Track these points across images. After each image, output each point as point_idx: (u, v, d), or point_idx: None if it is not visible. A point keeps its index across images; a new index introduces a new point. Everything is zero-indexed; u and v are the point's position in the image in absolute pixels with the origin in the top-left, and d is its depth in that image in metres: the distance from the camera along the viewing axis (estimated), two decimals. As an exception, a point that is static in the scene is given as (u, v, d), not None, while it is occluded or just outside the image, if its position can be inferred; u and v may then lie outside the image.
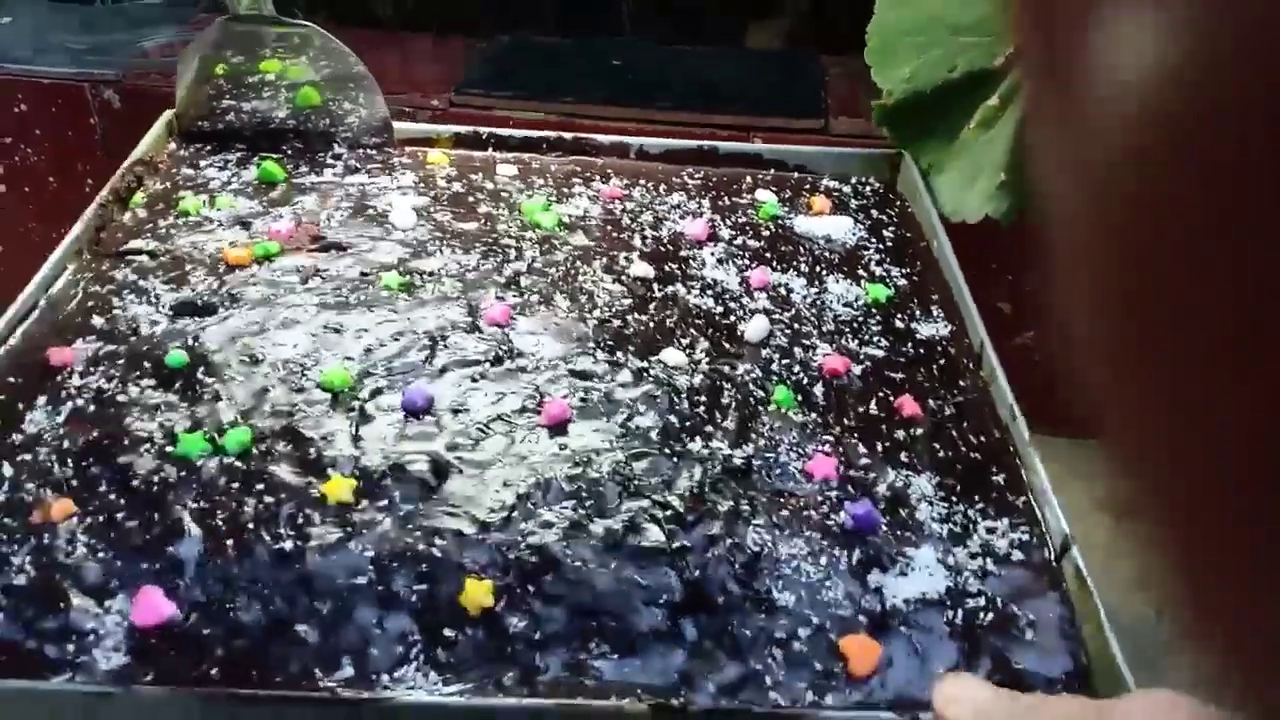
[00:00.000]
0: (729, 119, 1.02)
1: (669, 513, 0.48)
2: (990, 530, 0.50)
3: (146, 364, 0.55)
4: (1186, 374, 0.13)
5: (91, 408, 0.52)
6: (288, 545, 0.45)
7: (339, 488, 0.48)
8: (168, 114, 0.78)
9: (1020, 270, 1.17)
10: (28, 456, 0.50)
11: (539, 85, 1.08)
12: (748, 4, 1.32)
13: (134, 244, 0.65)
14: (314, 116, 0.78)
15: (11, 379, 0.54)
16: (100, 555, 0.45)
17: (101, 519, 0.46)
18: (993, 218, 0.69)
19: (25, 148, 1.14)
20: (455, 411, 0.53)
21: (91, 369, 0.55)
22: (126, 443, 0.50)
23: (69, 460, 0.49)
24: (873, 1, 0.72)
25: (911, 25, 0.71)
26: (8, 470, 0.49)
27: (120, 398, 0.53)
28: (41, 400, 0.53)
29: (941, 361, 0.61)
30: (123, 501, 0.47)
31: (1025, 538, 0.49)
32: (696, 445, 0.52)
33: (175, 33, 1.17)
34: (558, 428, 0.53)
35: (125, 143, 0.74)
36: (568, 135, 0.80)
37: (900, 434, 0.55)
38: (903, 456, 0.53)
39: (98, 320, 0.59)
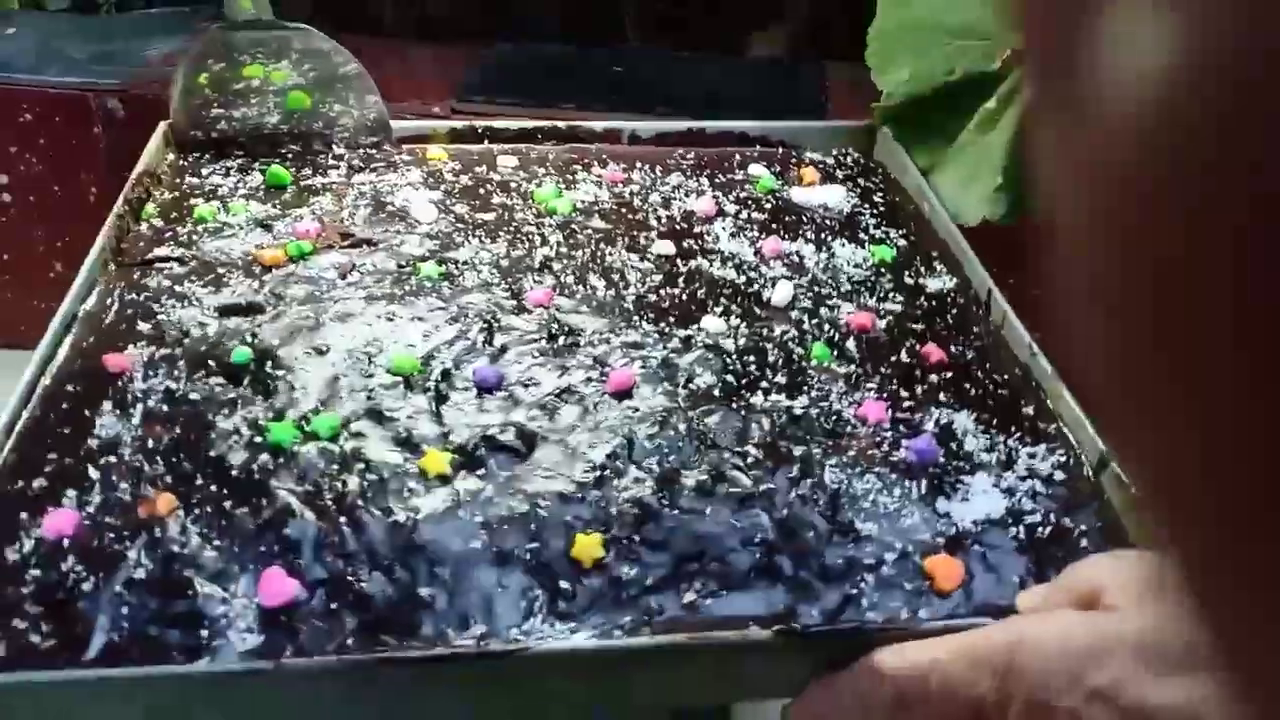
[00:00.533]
0: (731, 125, 1.05)
1: (749, 460, 0.52)
2: (1031, 455, 0.54)
3: (210, 363, 0.56)
4: (1191, 376, 0.13)
5: (165, 408, 0.53)
6: (399, 517, 0.47)
7: (436, 461, 0.49)
8: (163, 125, 0.78)
9: (1021, 273, 1.22)
10: (112, 459, 0.50)
11: (540, 92, 1.09)
12: (750, 12, 1.34)
13: (160, 251, 0.66)
14: (307, 119, 0.79)
15: (71, 388, 0.54)
16: (215, 543, 0.46)
17: (209, 509, 0.47)
18: (990, 220, 0.72)
19: (30, 157, 1.12)
20: (525, 385, 0.56)
21: (151, 372, 0.56)
22: (213, 436, 0.51)
23: (158, 458, 0.50)
24: (873, 6, 0.75)
25: (911, 28, 0.74)
26: (94, 473, 0.49)
27: (193, 395, 0.54)
28: (108, 406, 0.53)
29: (954, 311, 0.65)
30: (225, 491, 0.48)
31: (1063, 459, 0.54)
32: (758, 399, 0.56)
33: (179, 42, 1.16)
34: (624, 394, 0.56)
35: (129, 153, 0.74)
36: (561, 124, 0.83)
37: (934, 378, 0.59)
38: (941, 397, 0.58)
39: (144, 326, 0.59)
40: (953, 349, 0.62)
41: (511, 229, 0.70)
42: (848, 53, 0.95)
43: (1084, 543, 0.50)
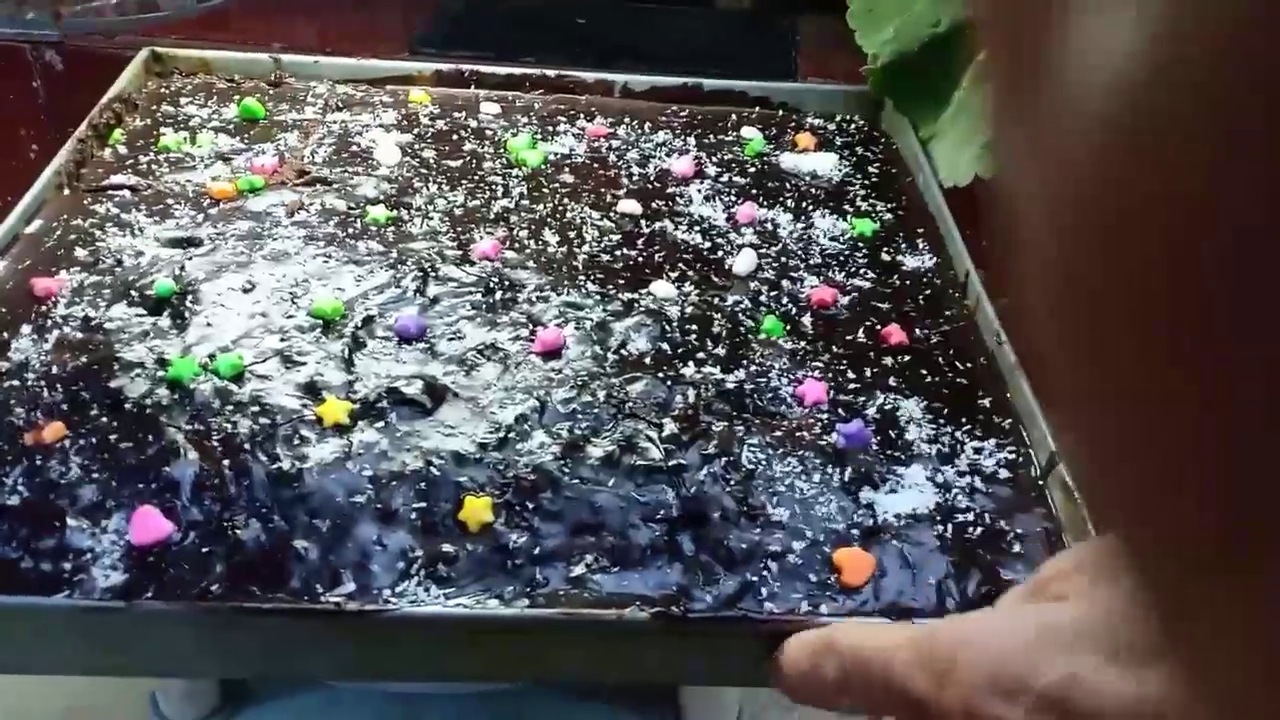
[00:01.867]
0: (700, 80, 1.02)
1: (664, 433, 0.49)
2: (978, 450, 0.51)
3: (133, 293, 0.55)
4: (1141, 370, 0.13)
5: (79, 335, 0.52)
6: (285, 465, 0.46)
7: (334, 409, 0.48)
8: (145, 51, 0.76)
9: (993, 236, 1.18)
10: (15, 383, 0.49)
11: (497, 44, 1.06)
12: None
13: (115, 179, 0.65)
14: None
15: (-5, 309, 0.54)
16: (95, 476, 0.45)
17: (94, 441, 0.46)
18: (983, 178, 0.68)
19: None
20: (449, 339, 0.53)
21: (77, 299, 0.55)
22: (116, 368, 0.50)
23: (58, 385, 0.49)
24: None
25: None
26: (-4, 396, 0.48)
27: (108, 325, 0.53)
28: (27, 329, 0.52)
29: (928, 292, 0.61)
30: (115, 424, 0.47)
31: (1012, 456, 0.50)
32: (689, 370, 0.53)
33: None
34: (552, 354, 0.53)
35: (69, 106, 0.73)
36: (551, 73, 0.80)
37: (888, 360, 0.56)
38: (891, 381, 0.54)
39: (81, 252, 0.58)
40: (917, 331, 0.58)
41: (475, 178, 0.68)
42: (817, 5, 0.90)
43: (1016, 547, 0.46)
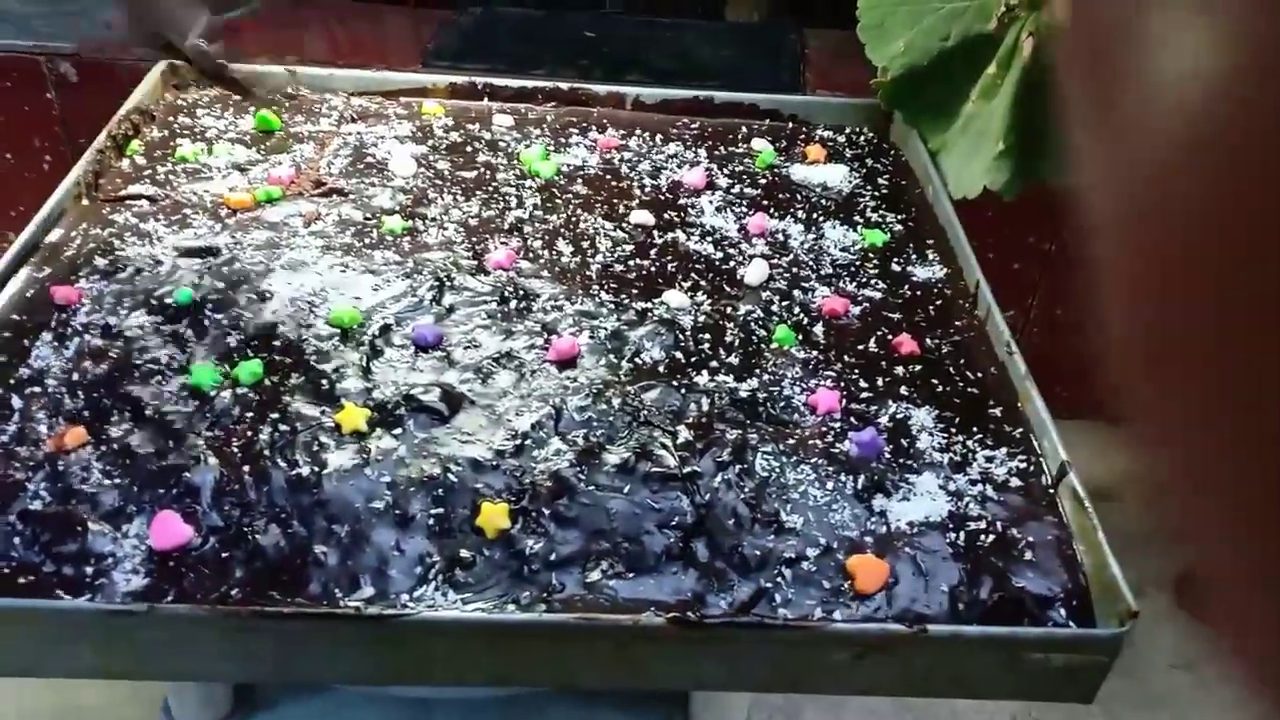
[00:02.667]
0: (740, 96, 1.02)
1: (679, 440, 0.49)
2: (989, 459, 0.51)
3: (153, 301, 0.55)
4: (1215, 378, 0.13)
5: (99, 342, 0.53)
6: (304, 471, 0.46)
7: (353, 417, 0.48)
8: (162, 63, 0.77)
9: (1001, 248, 1.18)
10: (36, 389, 0.50)
11: (509, 58, 1.07)
12: None
13: (134, 189, 0.65)
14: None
15: (16, 316, 0.54)
16: (115, 481, 0.45)
17: (115, 447, 0.47)
18: (991, 190, 0.68)
19: None
20: (465, 347, 0.54)
21: (97, 307, 0.55)
22: (137, 375, 0.50)
23: (79, 392, 0.50)
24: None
25: None
26: (17, 403, 0.49)
27: (128, 333, 0.53)
28: (47, 337, 0.53)
29: (938, 302, 0.62)
30: (136, 430, 0.48)
31: (1024, 465, 0.51)
32: (703, 379, 0.53)
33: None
34: (566, 363, 0.54)
35: (83, 118, 0.73)
36: (564, 85, 0.81)
37: (899, 370, 0.56)
38: (903, 390, 0.54)
39: (100, 261, 0.59)
40: (929, 341, 0.58)
41: (490, 189, 0.69)
42: (825, 19, 0.91)
43: (1028, 555, 0.47)
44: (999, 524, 0.48)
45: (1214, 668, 1.13)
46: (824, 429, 0.51)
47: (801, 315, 0.59)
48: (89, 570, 0.42)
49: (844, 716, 1.02)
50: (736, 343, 0.56)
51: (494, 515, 0.45)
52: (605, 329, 0.56)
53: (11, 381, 0.50)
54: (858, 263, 0.65)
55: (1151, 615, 1.19)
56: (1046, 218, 1.21)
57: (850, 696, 1.01)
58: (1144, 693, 1.11)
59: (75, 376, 0.50)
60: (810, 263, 0.64)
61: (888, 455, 0.50)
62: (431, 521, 0.45)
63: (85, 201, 0.64)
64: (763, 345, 0.57)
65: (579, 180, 0.71)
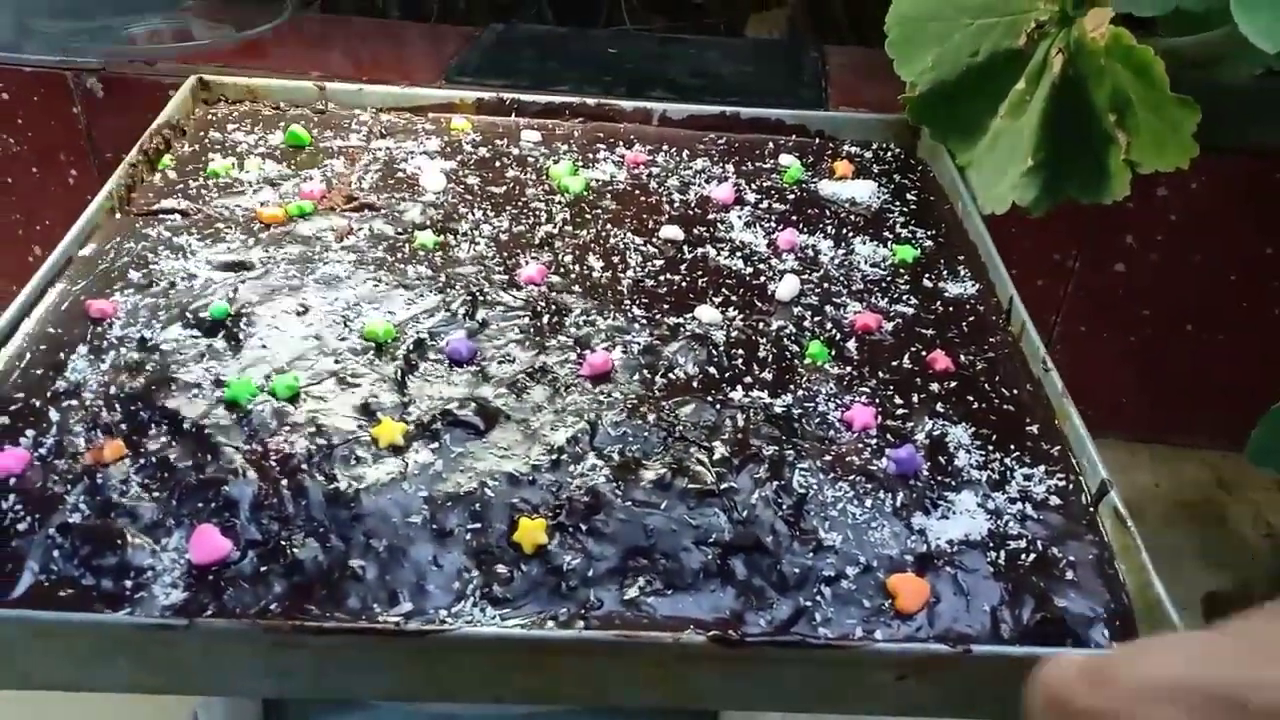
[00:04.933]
0: (766, 112, 1.02)
1: (715, 456, 0.49)
2: (1028, 477, 0.51)
3: (188, 315, 0.56)
4: None
5: (135, 356, 0.53)
6: (342, 485, 0.46)
7: (389, 431, 0.48)
8: (193, 79, 0.78)
9: (1024, 264, 1.17)
10: (73, 403, 0.50)
11: (531, 74, 1.08)
12: None
13: (166, 203, 0.66)
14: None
15: (52, 330, 0.55)
16: (154, 495, 0.45)
17: (154, 460, 0.47)
18: (1020, 206, 0.68)
19: (7, 137, 1.13)
20: (499, 362, 0.54)
21: (132, 320, 0.55)
22: (174, 388, 0.51)
23: (116, 405, 0.50)
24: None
25: (931, 11, 0.70)
26: (54, 416, 0.49)
27: (164, 346, 0.53)
28: (83, 350, 0.53)
29: (971, 318, 0.61)
30: (174, 444, 0.48)
31: (1062, 483, 0.50)
32: (738, 394, 0.53)
33: (160, 20, 1.16)
34: (600, 378, 0.53)
35: (109, 132, 0.74)
36: (590, 101, 0.81)
37: (935, 386, 0.56)
38: (939, 407, 0.54)
39: (135, 275, 0.59)
40: (963, 357, 0.58)
41: (519, 204, 0.69)
42: (846, 36, 0.91)
43: (1069, 575, 0.46)
44: (1039, 543, 0.47)
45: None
46: (861, 445, 0.51)
47: (834, 331, 0.59)
48: (128, 584, 0.42)
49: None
50: (770, 358, 0.56)
51: (532, 531, 0.45)
52: (638, 344, 0.56)
53: (49, 395, 0.50)
54: (889, 278, 0.65)
55: (1176, 635, 1.18)
56: (1071, 234, 1.20)
57: None
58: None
59: (112, 390, 0.50)
60: (841, 278, 0.64)
61: (925, 472, 0.50)
62: (469, 537, 0.45)
63: (118, 215, 0.65)
64: (796, 361, 0.56)
65: (608, 195, 0.71)
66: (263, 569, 0.43)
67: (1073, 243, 1.20)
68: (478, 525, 0.45)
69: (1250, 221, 1.18)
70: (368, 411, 0.50)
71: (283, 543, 0.44)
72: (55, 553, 0.43)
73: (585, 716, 0.65)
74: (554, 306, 0.59)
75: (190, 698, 0.64)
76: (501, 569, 0.44)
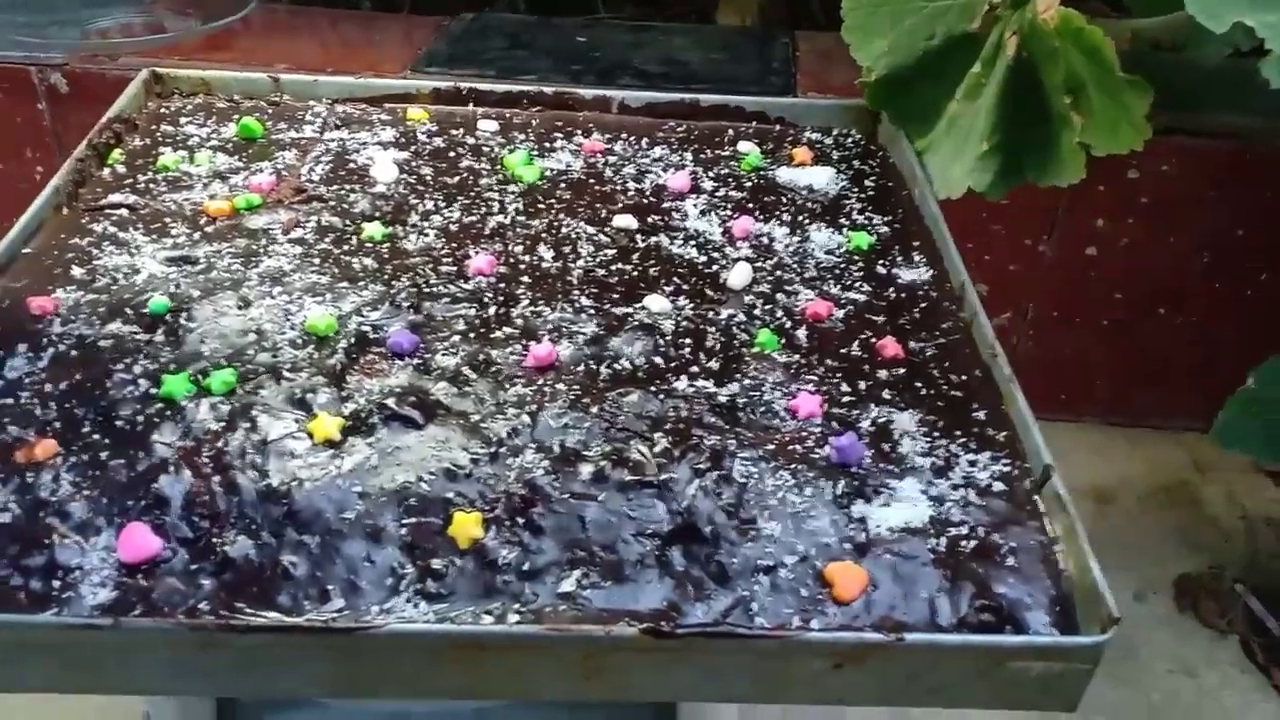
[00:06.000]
0: (726, 99, 1.02)
1: (656, 447, 0.49)
2: (972, 463, 0.50)
3: (129, 311, 0.55)
4: None
5: (74, 353, 0.52)
6: (274, 481, 0.46)
7: (325, 426, 0.48)
8: (145, 72, 0.77)
9: (997, 251, 1.17)
10: (9, 400, 0.49)
11: (501, 63, 1.07)
12: None
13: (113, 198, 0.65)
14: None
15: (-9, 327, 0.54)
16: (85, 493, 0.45)
17: (86, 458, 0.46)
18: (975, 191, 0.68)
19: None
20: (441, 354, 0.53)
21: (73, 317, 0.55)
22: (110, 385, 0.50)
23: (51, 403, 0.49)
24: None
25: None
26: (-10, 415, 0.49)
27: (103, 343, 0.53)
28: (23, 347, 0.53)
29: (924, 304, 0.61)
30: (107, 441, 0.47)
31: (1006, 469, 0.50)
32: (682, 384, 0.53)
33: (125, 14, 1.15)
34: (544, 369, 0.53)
35: (73, 127, 0.73)
36: (548, 90, 0.80)
37: (882, 374, 0.55)
38: (885, 394, 0.54)
39: (78, 271, 0.58)
40: (913, 344, 0.58)
41: (472, 194, 0.68)
42: (818, 23, 0.90)
43: (1010, 561, 0.46)
44: (981, 529, 0.47)
45: (1216, 673, 1.12)
46: (804, 433, 0.51)
47: (784, 319, 0.59)
48: (56, 584, 0.42)
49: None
50: (717, 347, 0.56)
51: (467, 525, 0.44)
52: (584, 334, 0.56)
53: (-16, 393, 0.50)
54: (842, 265, 0.64)
55: (1153, 620, 1.18)
56: (1043, 218, 1.20)
57: (845, 711, 1.00)
58: (1146, 700, 1.10)
59: (48, 387, 0.50)
60: (794, 266, 0.64)
61: (869, 460, 0.49)
62: (403, 532, 0.44)
63: (65, 211, 0.64)
64: (744, 349, 0.56)
65: (562, 185, 0.70)
66: (193, 567, 0.43)
67: (1044, 227, 1.20)
68: (413, 520, 0.45)
69: (1221, 203, 1.18)
70: (304, 406, 0.49)
71: (214, 540, 0.44)
72: (-17, 553, 0.42)
73: (537, 711, 0.65)
74: (501, 298, 0.58)
75: (142, 698, 0.63)
76: (436, 564, 0.43)
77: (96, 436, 0.47)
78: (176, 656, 0.41)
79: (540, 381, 0.52)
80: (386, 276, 0.59)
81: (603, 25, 1.26)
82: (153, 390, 0.50)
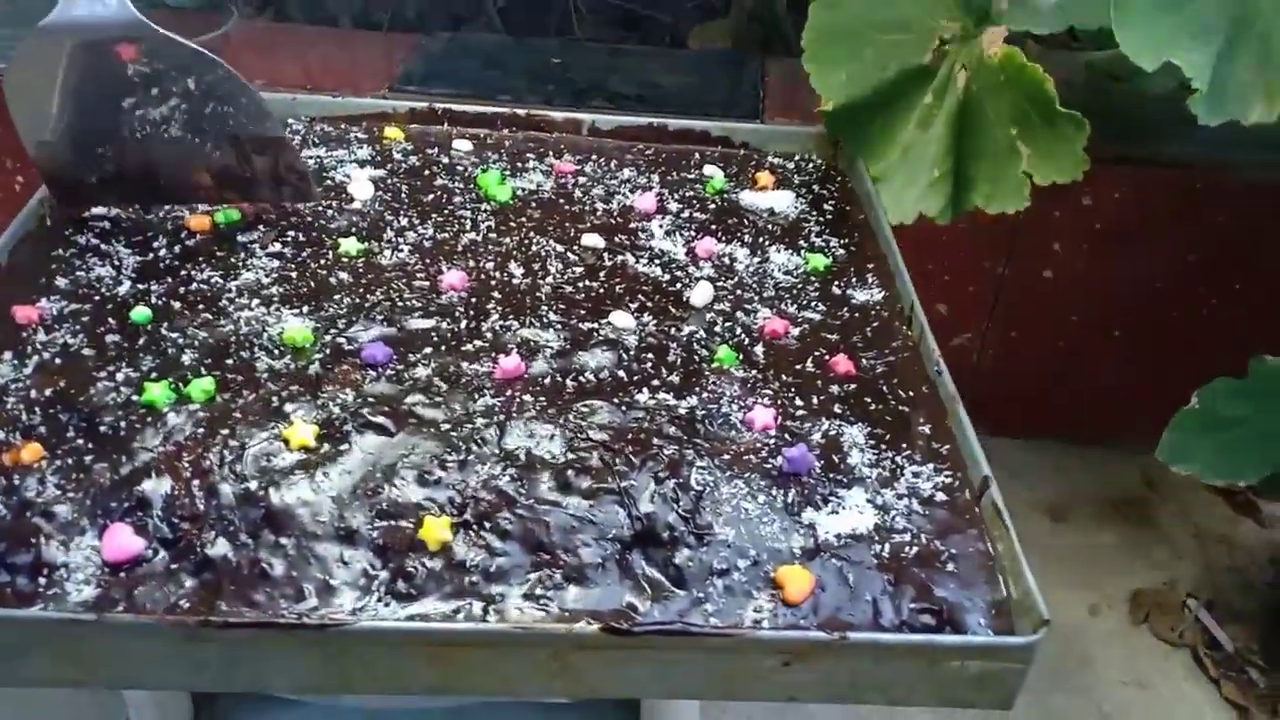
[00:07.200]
0: (665, 120, 1.05)
1: (619, 456, 0.51)
2: (916, 474, 0.53)
3: (111, 320, 0.57)
4: None
5: (58, 361, 0.54)
6: (252, 485, 0.48)
7: (301, 433, 0.50)
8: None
9: (957, 272, 1.21)
10: (-5, 406, 0.51)
11: (476, 83, 1.10)
12: (694, 7, 1.35)
13: (97, 211, 0.67)
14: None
15: (-24, 336, 0.56)
16: (70, 495, 0.47)
17: (70, 461, 0.48)
18: (927, 216, 0.71)
19: None
20: (414, 366, 0.56)
21: (56, 325, 0.57)
22: (93, 392, 0.52)
23: (36, 409, 0.51)
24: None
25: (843, 28, 0.72)
26: (-25, 419, 0.50)
27: (86, 351, 0.55)
28: (8, 355, 0.55)
29: (875, 324, 0.64)
30: (90, 446, 0.49)
31: (949, 480, 0.53)
32: (644, 396, 0.55)
33: None
34: (512, 382, 0.55)
35: None
36: (521, 111, 0.83)
37: (835, 389, 0.58)
38: (836, 409, 0.57)
39: (61, 281, 0.60)
40: (864, 361, 0.61)
41: (446, 212, 0.71)
42: (791, 49, 0.94)
43: (950, 566, 0.49)
44: (923, 536, 0.50)
45: (1168, 685, 1.16)
46: (759, 444, 0.53)
47: (743, 336, 0.62)
48: (42, 581, 0.44)
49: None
50: (679, 362, 0.59)
51: (436, 528, 0.46)
52: (552, 348, 0.58)
53: (-30, 399, 0.52)
54: (800, 285, 0.67)
55: (1106, 633, 1.22)
56: (1001, 243, 1.24)
57: (809, 715, 1.03)
58: (1098, 710, 1.13)
59: (33, 394, 0.52)
60: (754, 285, 0.67)
61: (818, 470, 0.52)
62: (375, 535, 0.47)
63: (49, 223, 0.66)
64: (704, 365, 0.59)
65: (533, 204, 0.73)
66: (173, 566, 0.45)
67: (1003, 250, 1.24)
68: (384, 524, 0.47)
69: (1172, 230, 1.22)
70: (281, 414, 0.51)
71: (193, 541, 0.46)
72: (-30, 552, 0.44)
73: (510, 711, 0.67)
74: (472, 312, 0.61)
75: (123, 700, 0.65)
76: (407, 566, 0.46)
77: (80, 441, 0.49)
78: (157, 652, 0.43)
79: (509, 393, 0.55)
80: (362, 290, 0.61)
81: (578, 47, 1.29)
82: (134, 397, 0.52)
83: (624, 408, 0.54)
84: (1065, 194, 0.79)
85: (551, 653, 0.44)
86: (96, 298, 0.59)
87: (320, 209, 0.69)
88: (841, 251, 0.71)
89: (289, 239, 0.66)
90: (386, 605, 0.44)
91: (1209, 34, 0.62)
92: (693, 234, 0.71)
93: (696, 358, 0.59)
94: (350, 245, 0.65)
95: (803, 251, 0.71)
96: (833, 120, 0.74)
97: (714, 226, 0.73)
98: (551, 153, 0.80)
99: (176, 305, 0.58)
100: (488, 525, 0.47)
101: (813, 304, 0.65)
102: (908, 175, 0.70)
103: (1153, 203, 1.21)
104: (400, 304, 0.60)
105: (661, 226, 0.72)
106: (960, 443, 0.55)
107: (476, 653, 0.44)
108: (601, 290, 0.64)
